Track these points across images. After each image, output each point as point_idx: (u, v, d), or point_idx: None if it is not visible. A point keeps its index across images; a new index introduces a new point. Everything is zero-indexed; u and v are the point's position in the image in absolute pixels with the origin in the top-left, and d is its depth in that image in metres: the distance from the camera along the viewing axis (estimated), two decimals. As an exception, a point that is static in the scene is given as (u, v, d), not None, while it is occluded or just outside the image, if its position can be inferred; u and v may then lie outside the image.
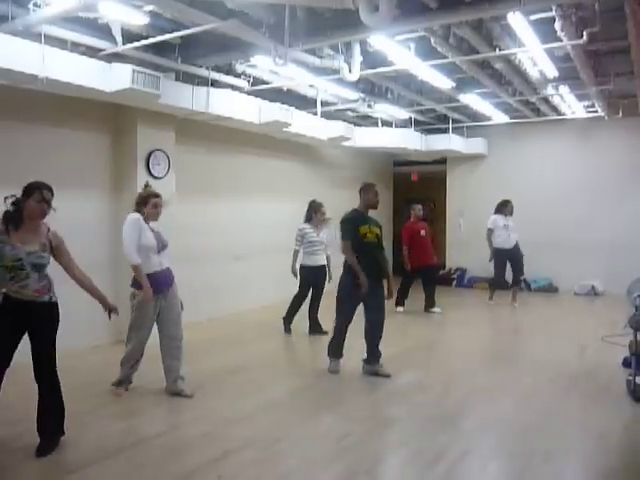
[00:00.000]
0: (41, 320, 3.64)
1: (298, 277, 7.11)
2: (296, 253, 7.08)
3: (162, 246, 4.72)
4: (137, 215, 4.64)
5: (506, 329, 7.81)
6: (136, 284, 4.62)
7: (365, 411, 4.57)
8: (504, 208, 9.05)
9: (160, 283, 4.64)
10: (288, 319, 7.21)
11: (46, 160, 5.98)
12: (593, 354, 6.23)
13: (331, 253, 7.14)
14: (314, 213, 7.10)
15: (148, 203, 4.70)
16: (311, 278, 7.07)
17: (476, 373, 5.64)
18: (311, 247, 7.04)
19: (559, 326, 7.95)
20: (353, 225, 5.29)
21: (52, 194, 3.67)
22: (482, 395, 4.93)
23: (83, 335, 6.26)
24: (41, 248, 3.61)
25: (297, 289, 7.18)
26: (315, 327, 7.08)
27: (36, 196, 3.56)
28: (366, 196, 5.44)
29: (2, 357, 3.56)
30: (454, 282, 11.54)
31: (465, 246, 11.21)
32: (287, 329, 7.18)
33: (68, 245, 6.34)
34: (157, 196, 4.76)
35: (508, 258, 8.97)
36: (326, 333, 6.70)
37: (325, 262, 7.13)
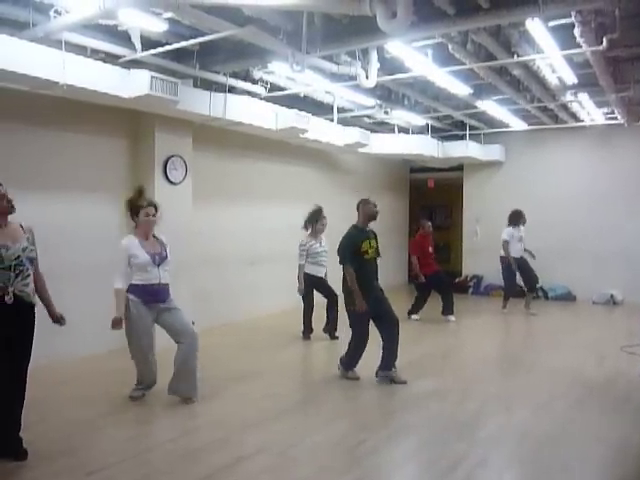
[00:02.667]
0: (31, 324, 3.63)
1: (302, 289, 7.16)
2: (301, 267, 7.11)
3: (160, 259, 4.63)
4: (125, 241, 4.62)
5: (523, 337, 7.73)
6: (129, 288, 4.57)
7: (379, 418, 4.54)
8: (519, 219, 9.01)
9: (153, 295, 4.60)
10: (307, 331, 7.26)
11: (65, 165, 6.06)
12: (611, 364, 6.13)
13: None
14: (315, 223, 7.13)
15: (139, 212, 4.63)
16: (312, 287, 7.14)
17: (492, 381, 5.58)
18: (316, 257, 7.10)
19: (577, 335, 7.85)
20: (352, 246, 5.27)
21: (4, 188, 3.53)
22: (498, 403, 4.88)
23: (99, 340, 6.30)
24: (29, 242, 3.59)
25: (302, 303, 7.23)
26: (333, 332, 7.13)
27: None
28: (364, 209, 5.43)
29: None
30: (470, 290, 11.45)
31: (481, 253, 11.12)
32: (307, 337, 7.26)
33: (86, 252, 6.42)
34: (149, 205, 4.66)
35: (518, 267, 8.96)
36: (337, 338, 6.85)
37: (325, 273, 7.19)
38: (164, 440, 3.99)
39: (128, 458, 3.69)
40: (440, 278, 8.55)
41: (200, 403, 4.71)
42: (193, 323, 4.78)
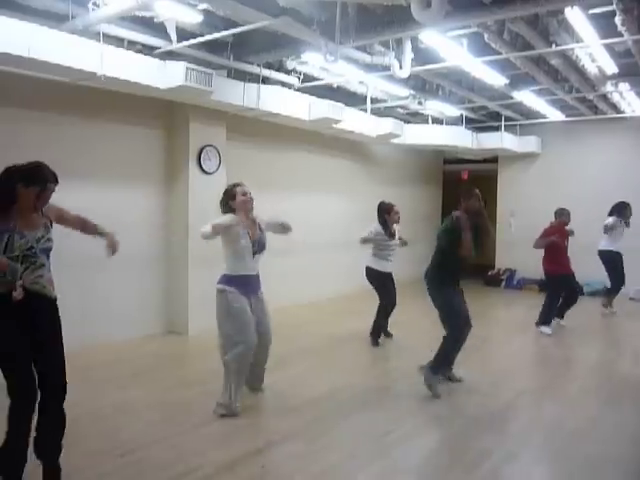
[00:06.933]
0: (52, 317, 3.11)
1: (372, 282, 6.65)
2: (365, 241, 6.49)
3: (259, 247, 4.34)
4: (230, 216, 4.27)
5: (556, 332, 7.60)
6: (223, 278, 4.29)
7: (408, 409, 4.54)
8: (624, 211, 8.41)
9: (248, 285, 4.31)
10: (376, 333, 6.60)
11: (102, 154, 6.20)
12: (648, 361, 6.02)
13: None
14: (387, 215, 6.57)
15: (236, 195, 4.34)
16: (381, 282, 6.61)
17: (523, 375, 5.52)
18: (385, 250, 6.54)
19: (612, 331, 7.69)
20: (457, 237, 4.84)
21: (57, 183, 3.08)
22: (529, 398, 4.84)
23: (136, 325, 6.47)
24: (46, 230, 3.09)
25: (379, 299, 6.63)
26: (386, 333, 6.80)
27: (33, 191, 2.98)
28: (466, 202, 5.02)
29: (29, 365, 2.97)
30: (503, 283, 11.32)
31: (515, 247, 10.95)
32: (375, 342, 6.55)
33: (122, 239, 6.53)
34: (239, 184, 4.42)
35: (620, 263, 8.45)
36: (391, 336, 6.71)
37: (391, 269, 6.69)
38: (196, 423, 4.07)
39: (161, 440, 3.79)
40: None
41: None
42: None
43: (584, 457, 3.65)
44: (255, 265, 4.39)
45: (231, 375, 4.21)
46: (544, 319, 7.33)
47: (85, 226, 3.45)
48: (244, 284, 4.28)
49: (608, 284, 8.83)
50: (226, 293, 4.23)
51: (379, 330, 6.62)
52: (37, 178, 2.98)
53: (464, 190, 5.12)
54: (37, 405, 3.01)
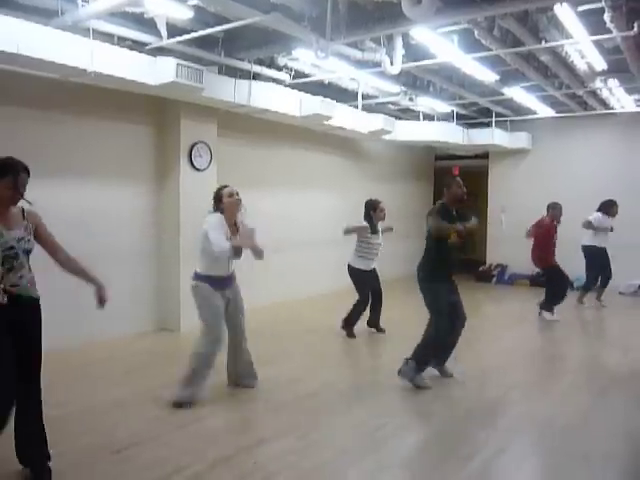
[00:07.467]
0: (35, 318, 3.12)
1: (354, 281, 6.68)
2: (348, 231, 6.60)
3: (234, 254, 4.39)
4: (218, 215, 4.40)
5: (546, 327, 7.67)
6: (197, 276, 4.42)
7: (400, 403, 4.58)
8: (611, 209, 8.59)
9: (221, 282, 4.47)
10: (349, 326, 6.69)
11: (92, 151, 6.16)
12: (636, 356, 6.06)
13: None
14: (372, 211, 6.57)
15: (222, 197, 4.42)
16: (368, 281, 6.65)
17: (514, 370, 5.56)
18: (369, 250, 6.58)
19: (602, 326, 7.75)
20: (441, 216, 4.90)
21: (29, 176, 3.03)
22: (520, 393, 4.87)
23: (128, 322, 6.45)
24: (27, 232, 3.06)
25: (357, 295, 6.68)
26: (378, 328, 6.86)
27: (8, 181, 2.95)
28: (449, 190, 5.09)
29: (11, 366, 2.94)
30: (494, 278, 11.38)
31: (506, 242, 11.01)
32: (350, 333, 6.66)
33: (113, 236, 6.52)
34: (226, 186, 4.51)
35: (602, 258, 8.63)
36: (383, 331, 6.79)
37: (375, 265, 6.74)
38: (188, 421, 4.08)
39: (154, 437, 3.79)
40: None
41: (226, 385, 4.80)
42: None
43: (575, 452, 3.68)
44: (230, 267, 4.54)
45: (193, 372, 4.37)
46: (548, 306, 7.87)
47: (56, 254, 3.22)
48: (217, 282, 4.43)
49: (601, 279, 8.91)
50: (199, 288, 4.40)
51: (353, 322, 6.67)
52: (7, 168, 2.96)
53: (446, 181, 5.20)
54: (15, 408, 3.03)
